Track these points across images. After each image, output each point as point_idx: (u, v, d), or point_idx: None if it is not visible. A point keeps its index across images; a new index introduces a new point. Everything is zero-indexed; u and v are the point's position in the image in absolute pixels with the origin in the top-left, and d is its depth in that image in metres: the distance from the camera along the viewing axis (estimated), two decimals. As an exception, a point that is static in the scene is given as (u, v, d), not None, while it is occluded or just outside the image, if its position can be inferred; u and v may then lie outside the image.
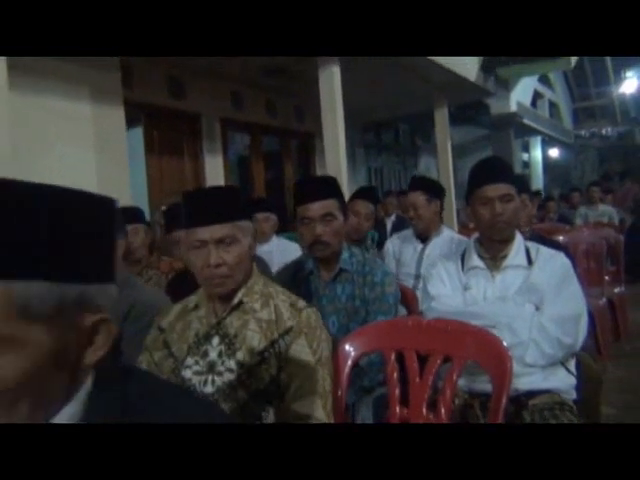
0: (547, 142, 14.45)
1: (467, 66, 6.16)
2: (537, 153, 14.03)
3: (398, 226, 5.01)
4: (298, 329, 1.32)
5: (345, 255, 1.88)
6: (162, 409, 0.66)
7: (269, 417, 1.29)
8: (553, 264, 1.72)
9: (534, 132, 11.82)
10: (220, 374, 1.32)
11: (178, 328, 1.42)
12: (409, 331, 1.52)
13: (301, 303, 1.39)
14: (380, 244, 3.79)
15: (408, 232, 3.03)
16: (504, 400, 1.30)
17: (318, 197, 1.79)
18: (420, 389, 1.42)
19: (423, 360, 1.50)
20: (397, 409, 1.45)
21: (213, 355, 1.34)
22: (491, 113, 8.83)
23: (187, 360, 1.36)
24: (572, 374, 1.67)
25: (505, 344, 1.40)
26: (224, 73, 5.24)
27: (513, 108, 8.85)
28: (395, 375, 1.47)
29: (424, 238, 2.87)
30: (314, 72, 4.22)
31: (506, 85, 8.24)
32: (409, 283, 2.73)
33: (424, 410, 1.41)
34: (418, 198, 2.80)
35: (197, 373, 1.34)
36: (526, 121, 9.84)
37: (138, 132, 4.68)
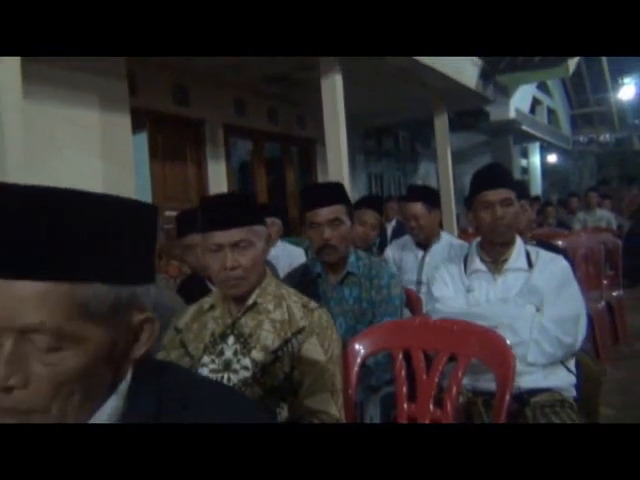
0: (545, 148, 14.56)
1: (467, 73, 6.23)
2: (536, 159, 14.12)
3: (398, 231, 5.04)
4: (310, 329, 1.38)
5: (352, 259, 1.94)
6: (196, 401, 0.70)
7: (283, 413, 1.35)
8: (553, 267, 1.78)
9: (533, 138, 11.92)
10: (236, 372, 1.37)
11: (194, 328, 1.48)
12: (416, 331, 1.58)
13: (313, 304, 1.45)
14: (381, 249, 3.85)
15: (407, 239, 3.04)
16: (508, 397, 1.36)
17: (326, 202, 1.85)
18: (427, 386, 1.48)
19: (429, 359, 1.57)
20: (405, 405, 1.51)
21: (229, 354, 1.40)
22: (490, 120, 8.91)
23: (203, 359, 1.42)
24: (572, 373, 1.73)
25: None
26: (227, 81, 5.32)
27: (512, 115, 8.94)
28: (403, 373, 1.54)
29: (425, 245, 2.89)
30: (315, 79, 4.27)
31: (505, 92, 8.33)
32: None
33: (431, 406, 1.47)
34: (419, 209, 2.81)
35: (213, 371, 1.40)
36: (525, 128, 9.95)
37: (142, 138, 4.75)
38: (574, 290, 1.75)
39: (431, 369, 1.50)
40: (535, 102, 11.96)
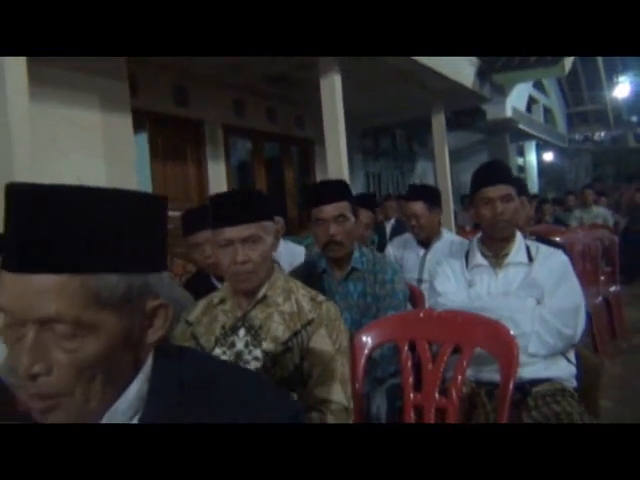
0: (542, 146, 14.62)
1: (464, 73, 6.28)
2: (532, 157, 14.18)
3: (397, 230, 5.06)
4: (319, 321, 1.42)
5: (356, 254, 1.98)
6: (216, 379, 0.73)
7: (293, 402, 1.39)
8: (552, 261, 1.82)
9: (529, 137, 11.97)
10: (247, 363, 1.41)
11: (205, 321, 1.52)
12: (421, 322, 1.63)
13: (320, 297, 1.49)
14: (380, 247, 3.87)
15: (409, 236, 3.06)
16: (511, 385, 1.40)
17: (332, 199, 1.90)
18: (432, 375, 1.53)
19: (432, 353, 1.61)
20: (411, 395, 1.55)
21: (240, 345, 1.44)
22: (487, 118, 8.94)
23: (215, 350, 1.46)
24: (572, 364, 1.77)
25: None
26: (227, 81, 5.36)
27: (508, 113, 8.97)
28: (409, 363, 1.58)
29: (426, 244, 2.92)
30: (314, 80, 4.30)
31: (502, 91, 8.36)
32: (412, 288, 2.79)
33: (436, 395, 1.51)
34: (419, 208, 2.84)
35: (225, 363, 1.44)
36: (521, 126, 9.99)
37: (143, 138, 4.78)
38: (573, 283, 1.80)
39: (436, 359, 1.54)
40: (531, 101, 12.01)
